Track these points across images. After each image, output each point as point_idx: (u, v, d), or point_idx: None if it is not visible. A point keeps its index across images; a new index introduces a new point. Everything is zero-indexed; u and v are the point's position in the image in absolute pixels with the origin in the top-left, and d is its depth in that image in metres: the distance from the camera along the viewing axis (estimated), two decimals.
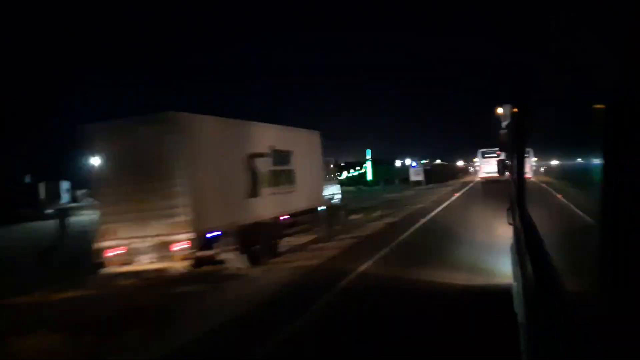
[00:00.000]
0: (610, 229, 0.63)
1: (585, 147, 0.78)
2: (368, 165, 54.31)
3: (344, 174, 55.63)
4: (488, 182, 35.27)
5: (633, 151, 0.61)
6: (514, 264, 4.37)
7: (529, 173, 2.76)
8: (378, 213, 21.15)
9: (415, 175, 50.56)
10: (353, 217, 19.30)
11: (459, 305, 6.41)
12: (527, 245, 2.40)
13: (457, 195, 31.66)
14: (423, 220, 17.35)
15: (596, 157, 0.67)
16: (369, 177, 53.14)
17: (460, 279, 7.76)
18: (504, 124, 7.16)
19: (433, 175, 57.42)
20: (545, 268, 1.68)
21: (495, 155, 33.92)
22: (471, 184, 41.86)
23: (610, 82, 0.65)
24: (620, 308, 0.63)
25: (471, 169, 74.13)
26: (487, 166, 37.26)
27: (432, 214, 19.73)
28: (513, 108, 5.15)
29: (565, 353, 1.03)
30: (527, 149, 2.69)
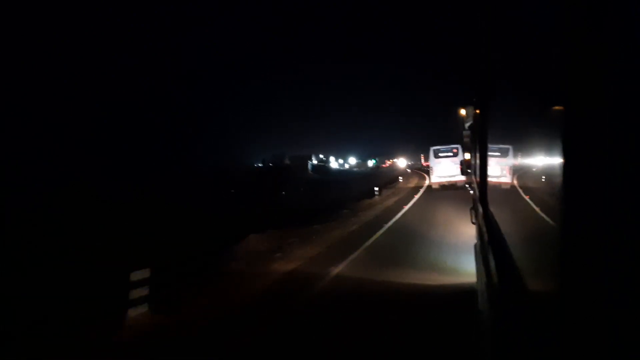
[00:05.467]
0: (571, 230, 0.64)
1: (550, 148, 0.79)
2: None
3: None
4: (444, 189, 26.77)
5: (591, 152, 0.62)
6: (477, 262, 4.46)
7: (505, 177, 2.06)
8: None
9: None
10: None
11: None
12: (490, 243, 2.42)
13: None
14: None
15: (557, 157, 0.68)
16: None
17: None
18: (467, 124, 7.27)
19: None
20: (507, 266, 1.71)
21: (452, 153, 29.84)
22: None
23: (567, 83, 0.66)
24: (580, 307, 0.64)
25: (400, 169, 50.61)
26: (440, 168, 28.50)
27: None
28: (475, 109, 5.25)
29: (527, 350, 1.05)
30: (506, 147, 2.07)
